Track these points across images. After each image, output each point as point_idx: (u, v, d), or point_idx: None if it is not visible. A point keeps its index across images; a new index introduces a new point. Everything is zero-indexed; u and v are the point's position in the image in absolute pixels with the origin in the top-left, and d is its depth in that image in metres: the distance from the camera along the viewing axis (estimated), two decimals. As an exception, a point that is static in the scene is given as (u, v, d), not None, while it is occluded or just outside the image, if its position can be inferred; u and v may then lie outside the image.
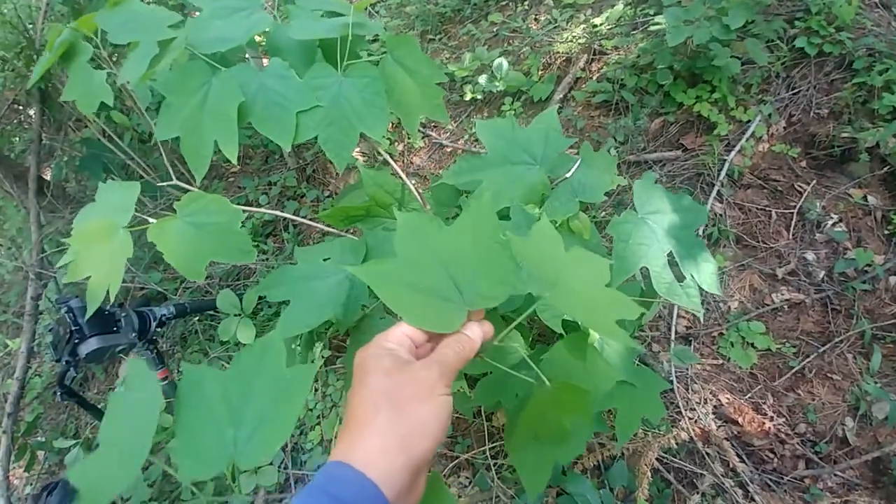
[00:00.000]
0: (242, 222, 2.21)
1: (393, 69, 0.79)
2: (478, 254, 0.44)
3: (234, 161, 0.73)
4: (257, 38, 0.89)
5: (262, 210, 0.74)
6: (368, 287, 0.62)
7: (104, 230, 0.69)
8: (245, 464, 0.49)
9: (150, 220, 0.70)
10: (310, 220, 0.83)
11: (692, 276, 0.69)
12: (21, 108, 2.46)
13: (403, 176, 0.78)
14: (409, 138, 2.27)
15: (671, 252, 0.70)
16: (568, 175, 0.73)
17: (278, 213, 0.81)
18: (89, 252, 0.71)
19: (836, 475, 1.29)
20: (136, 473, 0.47)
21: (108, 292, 0.68)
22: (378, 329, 0.80)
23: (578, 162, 0.74)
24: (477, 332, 0.43)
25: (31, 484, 1.91)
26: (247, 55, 0.80)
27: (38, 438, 1.94)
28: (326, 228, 0.86)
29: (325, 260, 0.79)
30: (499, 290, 0.43)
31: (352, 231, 0.88)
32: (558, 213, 0.70)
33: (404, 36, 0.81)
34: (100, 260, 0.69)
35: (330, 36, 0.75)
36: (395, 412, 0.36)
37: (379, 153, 0.83)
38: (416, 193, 0.77)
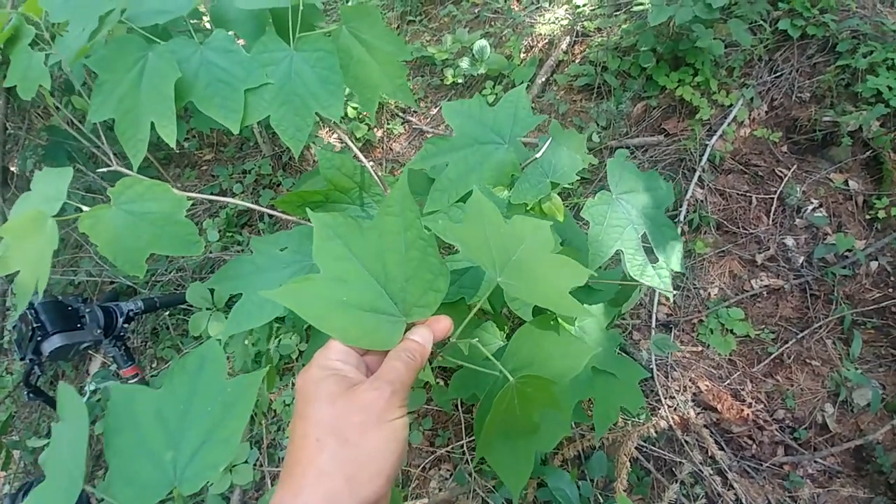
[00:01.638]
0: (216, 212, 2.15)
1: (349, 42, 0.73)
2: (405, 256, 0.40)
3: (173, 144, 0.67)
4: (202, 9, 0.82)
5: (208, 197, 0.68)
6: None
7: (34, 221, 0.63)
8: (188, 488, 0.44)
9: (85, 208, 0.65)
10: (269, 209, 0.78)
11: (662, 256, 0.65)
12: None
13: (363, 159, 0.73)
14: (388, 123, 2.21)
15: (644, 233, 0.66)
16: (538, 155, 0.69)
17: (234, 201, 0.75)
18: (19, 245, 0.65)
19: (816, 462, 1.29)
20: (75, 498, 0.43)
21: (36, 287, 0.62)
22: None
23: (548, 141, 0.70)
24: (426, 336, 0.39)
25: (9, 483, 1.85)
26: (189, 27, 0.73)
27: (13, 437, 1.88)
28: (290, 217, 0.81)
29: (282, 250, 0.74)
30: (430, 298, 0.38)
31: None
32: (528, 195, 0.66)
33: (363, 6, 0.75)
34: (28, 253, 0.63)
35: (280, 5, 0.69)
36: (340, 448, 0.32)
37: (346, 138, 0.78)
38: (376, 178, 0.72)
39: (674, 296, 1.52)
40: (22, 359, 1.32)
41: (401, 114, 2.26)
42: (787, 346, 1.43)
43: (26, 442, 1.79)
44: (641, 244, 0.66)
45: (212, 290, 1.57)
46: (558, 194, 0.94)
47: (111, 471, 0.45)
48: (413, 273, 0.39)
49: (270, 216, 2.12)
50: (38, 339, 1.31)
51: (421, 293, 0.39)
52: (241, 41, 0.73)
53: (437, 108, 2.24)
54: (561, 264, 0.45)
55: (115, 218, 0.63)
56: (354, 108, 2.21)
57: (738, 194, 1.62)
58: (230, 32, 0.71)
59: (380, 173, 0.71)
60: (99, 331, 1.43)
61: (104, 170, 0.72)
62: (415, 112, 2.27)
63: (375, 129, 2.24)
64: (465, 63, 2.09)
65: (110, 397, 0.49)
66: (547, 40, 2.03)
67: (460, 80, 2.15)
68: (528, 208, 0.69)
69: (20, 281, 0.64)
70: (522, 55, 2.06)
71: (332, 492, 0.31)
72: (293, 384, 1.68)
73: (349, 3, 2.42)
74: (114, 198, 0.63)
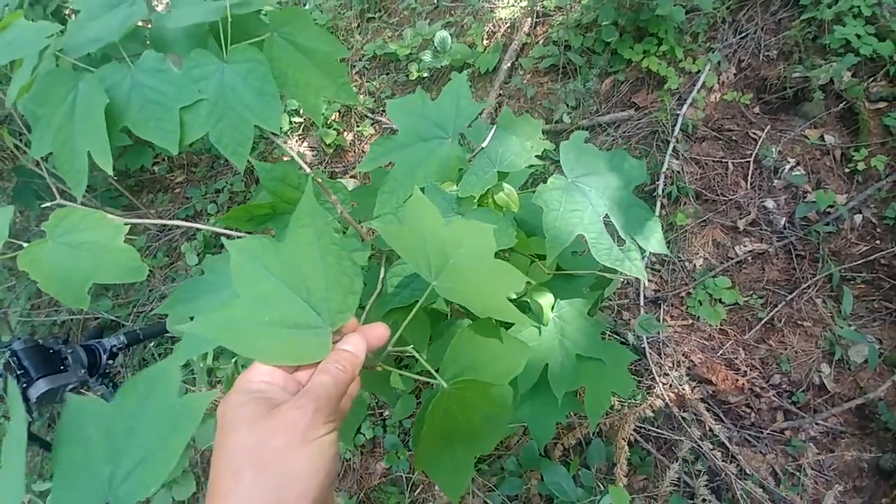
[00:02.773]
0: (193, 235, 2.11)
1: (282, 49, 0.71)
2: (321, 264, 0.38)
3: (110, 171, 0.64)
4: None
5: (146, 221, 0.66)
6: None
7: (-34, 264, 0.61)
8: None
9: (24, 244, 0.62)
10: (221, 227, 0.75)
11: (632, 238, 0.63)
12: None
13: (305, 167, 0.70)
14: (357, 126, 2.18)
15: (607, 216, 0.64)
16: (483, 145, 0.66)
17: (181, 223, 0.73)
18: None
19: (817, 424, 1.28)
20: None
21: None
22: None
23: (493, 130, 0.67)
24: (359, 345, 0.37)
25: None
26: (122, 53, 0.71)
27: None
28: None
29: (235, 268, 0.72)
30: (350, 301, 0.37)
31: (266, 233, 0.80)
32: (475, 188, 0.63)
33: (292, 9, 0.72)
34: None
35: (212, 19, 0.67)
36: (257, 476, 0.30)
37: (288, 149, 0.75)
38: (322, 186, 0.70)
39: (659, 271, 1.50)
40: (8, 406, 1.30)
41: (370, 115, 2.22)
42: (776, 309, 1.41)
43: (31, 486, 1.77)
44: (605, 228, 0.64)
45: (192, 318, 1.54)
46: (526, 182, 0.91)
47: (55, 480, 0.45)
48: (332, 280, 0.37)
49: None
50: (24, 385, 1.30)
51: (342, 298, 0.37)
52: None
53: (407, 106, 2.20)
54: (500, 270, 0.43)
55: (52, 251, 0.60)
56: (323, 115, 2.18)
57: (713, 161, 1.60)
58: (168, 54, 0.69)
59: (322, 179, 0.68)
60: (83, 370, 1.42)
61: (48, 204, 0.70)
62: (383, 111, 2.24)
63: (345, 133, 2.21)
64: (428, 56, 2.05)
65: (66, 408, 0.48)
66: (508, 24, 2.00)
67: (425, 74, 2.11)
68: (478, 201, 0.66)
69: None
70: (485, 42, 2.03)
71: None
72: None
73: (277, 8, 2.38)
74: (49, 231, 0.61)
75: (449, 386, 0.38)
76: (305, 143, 2.25)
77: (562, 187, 0.67)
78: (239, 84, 0.68)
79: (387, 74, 2.25)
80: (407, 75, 2.16)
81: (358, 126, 2.18)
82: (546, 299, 0.84)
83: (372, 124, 2.20)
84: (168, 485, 1.36)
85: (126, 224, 0.64)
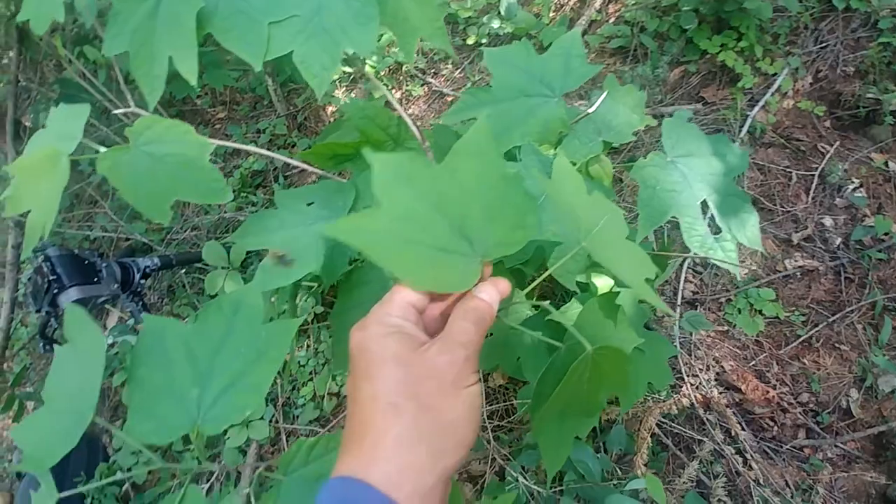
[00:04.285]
0: (230, 172, 2.10)
1: (387, -26, 0.67)
2: (483, 194, 0.35)
3: (194, 82, 0.61)
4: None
5: (232, 145, 0.64)
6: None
7: (48, 160, 0.60)
8: (210, 429, 0.43)
9: (101, 148, 0.60)
10: (300, 160, 0.73)
11: (729, 228, 0.60)
12: (0, 49, 2.29)
13: (400, 108, 0.67)
14: (407, 85, 2.12)
15: (704, 201, 0.61)
16: (591, 110, 0.63)
17: (262, 151, 0.71)
18: (31, 184, 0.61)
19: (837, 446, 1.27)
20: (83, 431, 0.42)
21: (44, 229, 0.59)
22: (371, 284, 0.72)
23: (603, 95, 0.63)
24: (493, 294, 0.34)
25: None
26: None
27: (27, 389, 1.90)
28: (321, 172, 0.76)
29: (308, 205, 0.70)
30: (518, 235, 0.34)
31: (341, 174, 0.78)
32: (577, 154, 0.61)
33: (402, -63, 0.68)
34: (40, 192, 0.59)
35: None
36: (420, 414, 0.28)
37: (380, 85, 0.72)
38: (414, 129, 0.67)
39: (700, 273, 1.47)
40: (37, 311, 1.32)
41: (420, 75, 2.16)
42: (816, 329, 1.38)
43: (41, 393, 1.81)
44: (701, 213, 0.61)
45: (228, 250, 1.54)
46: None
47: (131, 404, 0.44)
48: (495, 211, 0.35)
49: (286, 177, 2.08)
50: (55, 291, 1.31)
51: (505, 231, 0.34)
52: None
53: (458, 70, 2.14)
54: (634, 255, 0.41)
55: (134, 159, 0.59)
56: (373, 67, 2.12)
57: (777, 169, 1.54)
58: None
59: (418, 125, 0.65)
60: (116, 285, 1.42)
61: (121, 110, 0.68)
62: (434, 73, 2.18)
63: (394, 90, 2.15)
64: (489, 21, 1.97)
65: (143, 327, 0.47)
66: (579, -2, 1.91)
67: (484, 41, 2.04)
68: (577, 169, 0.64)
69: (31, 221, 0.61)
70: (552, 14, 1.94)
71: (414, 465, 0.27)
72: (308, 346, 1.68)
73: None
74: (132, 138, 0.59)
75: (593, 351, 0.36)
76: (352, 96, 2.20)
77: (660, 165, 0.64)
78: (338, 2, 0.64)
79: (444, 34, 2.17)
80: (464, 39, 2.09)
81: (407, 85, 2.13)
82: (604, 281, 0.82)
83: (421, 85, 2.14)
84: (245, 423, 1.39)
85: (211, 143, 0.62)
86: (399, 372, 0.29)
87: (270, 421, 1.55)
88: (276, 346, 0.45)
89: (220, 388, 0.43)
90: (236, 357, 0.44)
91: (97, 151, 0.58)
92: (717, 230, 0.61)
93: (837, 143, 1.59)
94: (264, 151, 0.69)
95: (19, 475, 1.51)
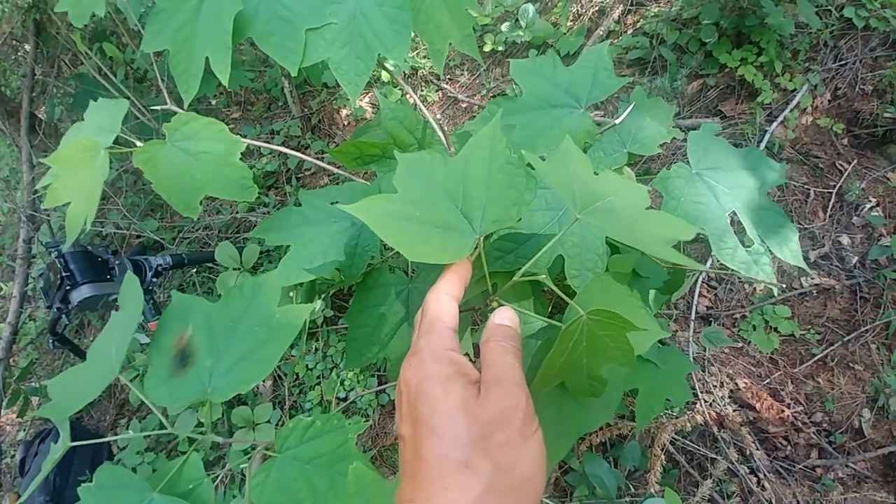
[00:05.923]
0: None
1: (420, -18, 0.67)
2: (488, 179, 0.39)
3: (226, 82, 0.62)
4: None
5: (262, 144, 0.64)
6: (380, 239, 0.55)
7: (86, 151, 0.61)
8: (218, 396, 0.45)
9: (138, 142, 0.61)
10: (324, 161, 0.74)
11: (768, 243, 0.60)
12: (17, 42, 2.32)
13: (426, 112, 0.68)
14: (423, 89, 2.14)
15: (734, 213, 0.61)
16: (617, 121, 0.63)
17: (286, 150, 0.71)
18: (70, 175, 0.62)
19: (848, 466, 1.25)
20: (107, 384, 0.45)
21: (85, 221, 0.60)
22: (387, 287, 0.72)
23: (630, 107, 0.64)
24: (514, 318, 0.34)
25: (24, 430, 1.89)
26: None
27: (33, 384, 1.91)
28: (335, 171, 0.76)
29: (332, 204, 0.71)
30: (512, 211, 0.37)
31: (363, 175, 0.79)
32: (602, 164, 0.61)
33: (436, -55, 0.69)
34: (80, 184, 0.60)
35: None
36: (498, 475, 0.26)
37: (409, 89, 0.72)
38: (440, 133, 0.67)
39: (715, 289, 1.46)
40: (49, 307, 1.32)
41: (434, 81, 2.18)
42: (832, 348, 1.37)
43: (46, 388, 1.81)
44: (730, 227, 0.60)
45: (240, 251, 1.55)
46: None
47: (150, 369, 0.47)
48: (496, 192, 0.38)
49: (298, 178, 2.09)
50: (67, 288, 1.31)
51: (503, 209, 0.38)
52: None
53: (473, 76, 2.15)
54: (663, 220, 0.40)
55: (170, 154, 0.59)
56: (388, 73, 2.14)
57: (795, 186, 1.53)
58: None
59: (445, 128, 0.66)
60: (128, 283, 1.43)
61: (159, 108, 0.69)
62: (450, 79, 2.19)
63: (408, 96, 2.17)
64: (506, 28, 1.99)
65: (170, 303, 0.51)
66: (598, 8, 1.92)
67: (500, 48, 2.05)
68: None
69: (71, 213, 0.61)
70: (570, 24, 1.96)
71: None
72: (316, 349, 1.68)
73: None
74: (169, 134, 0.60)
75: (587, 315, 0.34)
76: (366, 100, 2.21)
77: (685, 177, 0.64)
78: (373, 9, 0.65)
79: (460, 42, 2.19)
80: (480, 46, 2.10)
81: (422, 90, 2.14)
82: (623, 293, 0.81)
83: (436, 91, 2.16)
84: (252, 426, 1.41)
85: (243, 142, 0.63)
86: (468, 425, 0.27)
87: (277, 424, 1.55)
88: (287, 328, 0.46)
89: (231, 361, 0.45)
90: (250, 335, 0.46)
91: (135, 145, 0.59)
92: (747, 244, 0.61)
93: (855, 161, 1.58)
94: (293, 152, 0.69)
95: (21, 470, 1.51)
